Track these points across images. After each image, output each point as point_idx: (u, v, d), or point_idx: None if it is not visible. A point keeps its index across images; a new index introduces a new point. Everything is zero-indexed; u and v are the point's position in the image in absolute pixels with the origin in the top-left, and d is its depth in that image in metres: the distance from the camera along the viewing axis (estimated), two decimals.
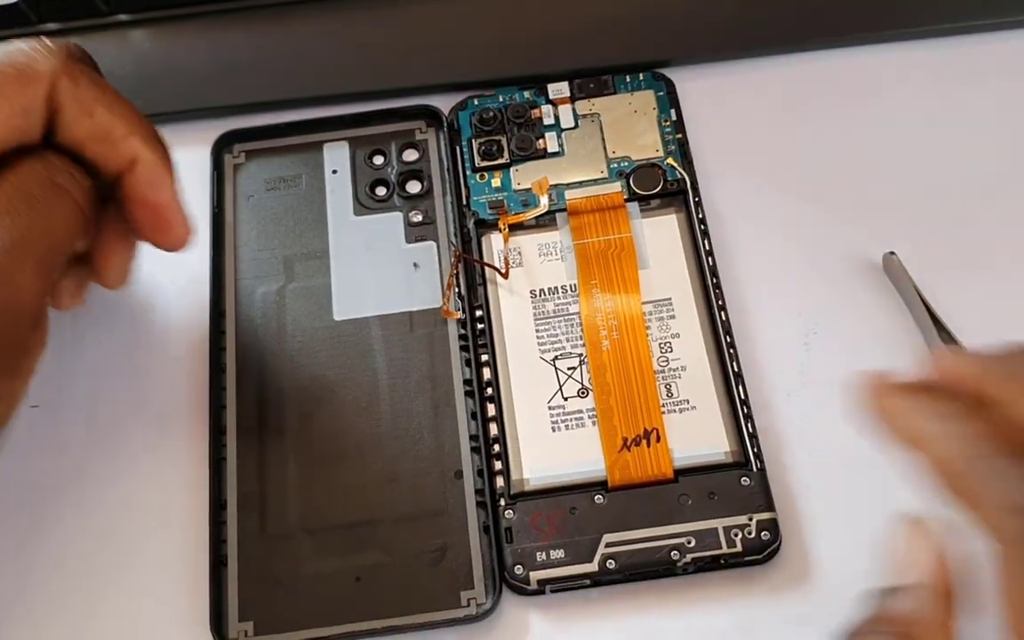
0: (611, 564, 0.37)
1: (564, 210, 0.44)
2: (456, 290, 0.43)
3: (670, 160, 0.45)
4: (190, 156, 0.45)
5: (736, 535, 0.38)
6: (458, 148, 0.46)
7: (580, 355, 0.41)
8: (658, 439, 0.39)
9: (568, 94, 0.47)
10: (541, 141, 0.46)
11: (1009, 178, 0.45)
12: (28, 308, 0.34)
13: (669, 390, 0.40)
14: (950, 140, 0.46)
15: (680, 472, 0.39)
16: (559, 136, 0.46)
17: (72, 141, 0.36)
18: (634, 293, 0.42)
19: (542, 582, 0.37)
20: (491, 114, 0.46)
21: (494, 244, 0.44)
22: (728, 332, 0.41)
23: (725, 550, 0.37)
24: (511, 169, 0.45)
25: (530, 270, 0.43)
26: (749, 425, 0.39)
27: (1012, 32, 0.48)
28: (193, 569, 0.39)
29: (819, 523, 0.39)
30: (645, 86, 0.47)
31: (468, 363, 0.41)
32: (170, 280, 0.44)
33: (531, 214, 0.44)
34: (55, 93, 0.35)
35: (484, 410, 0.40)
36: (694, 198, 0.44)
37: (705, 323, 0.42)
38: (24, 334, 0.34)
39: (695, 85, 0.47)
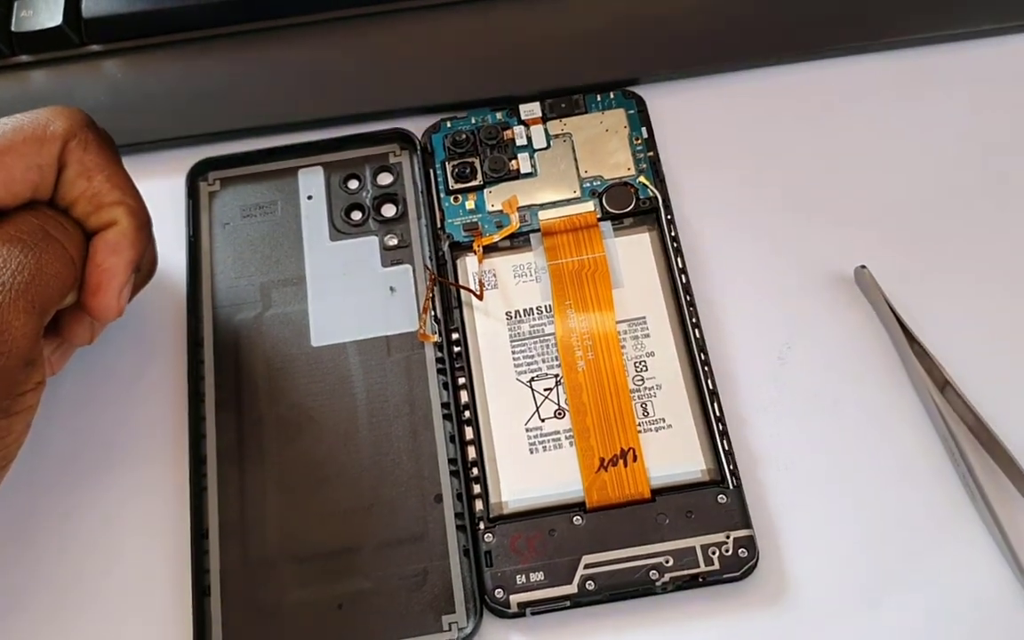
0: (590, 585, 0.38)
1: (538, 231, 0.44)
2: (432, 313, 0.43)
3: (642, 178, 0.45)
4: (165, 185, 0.46)
5: (714, 553, 0.38)
6: (432, 171, 0.46)
7: (556, 376, 0.41)
8: (635, 458, 0.39)
9: (540, 114, 0.47)
10: (514, 162, 0.46)
11: (978, 190, 0.45)
12: (20, 348, 0.34)
13: (645, 409, 0.41)
14: (920, 152, 0.46)
15: (657, 491, 0.39)
16: (531, 156, 0.46)
17: (66, 199, 0.38)
18: (608, 312, 0.42)
19: (522, 605, 0.38)
20: (464, 136, 0.46)
21: (469, 266, 0.44)
22: (702, 349, 0.41)
23: (703, 568, 0.38)
24: (485, 191, 0.45)
25: (505, 292, 0.43)
26: (725, 442, 0.40)
27: (980, 41, 0.49)
28: (176, 598, 0.39)
29: (796, 539, 0.39)
30: (616, 105, 0.47)
31: (445, 386, 0.42)
32: (148, 310, 0.44)
33: (503, 234, 0.44)
34: (65, 152, 0.37)
35: (462, 433, 0.41)
36: (666, 215, 0.44)
37: (679, 341, 0.42)
38: (17, 375, 0.35)
39: (666, 102, 0.48)
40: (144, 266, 0.40)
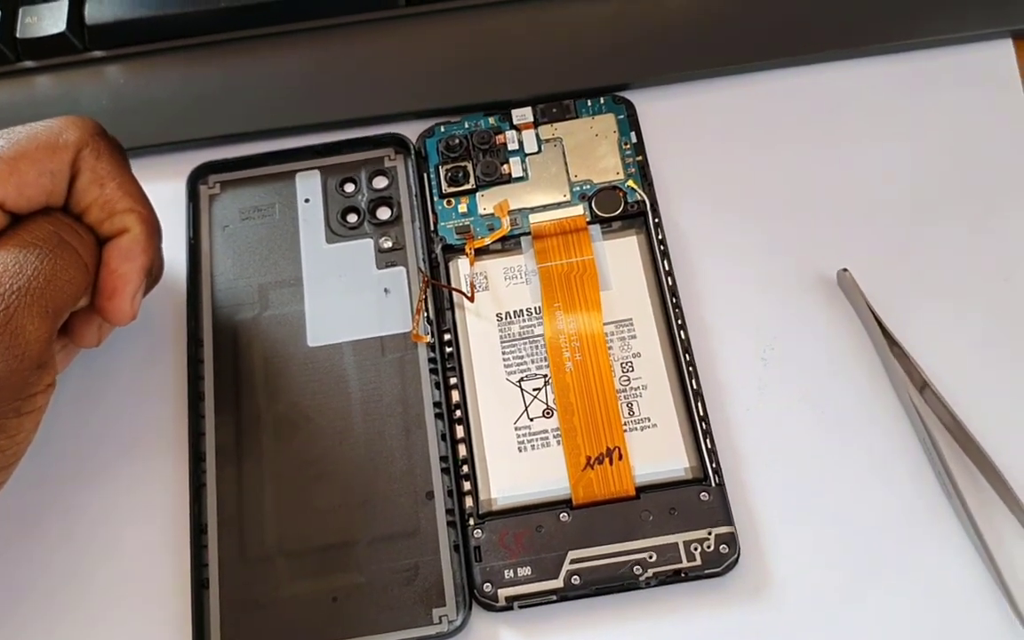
0: (576, 580, 0.39)
1: (528, 234, 0.45)
2: (425, 315, 0.44)
3: (631, 182, 0.46)
4: (166, 188, 0.47)
5: (696, 549, 0.39)
6: (426, 175, 0.47)
7: (545, 376, 0.43)
8: (620, 457, 0.41)
9: (531, 119, 0.48)
10: (506, 166, 0.47)
11: (958, 193, 0.46)
12: (32, 351, 0.35)
13: (631, 408, 0.42)
14: (901, 156, 0.47)
15: (641, 489, 0.40)
16: (523, 161, 0.47)
17: (79, 206, 0.39)
18: (596, 314, 0.43)
19: (510, 599, 0.39)
20: (457, 141, 0.47)
21: (461, 269, 0.45)
22: (687, 350, 0.42)
23: (685, 564, 0.39)
24: (477, 195, 0.46)
25: (496, 294, 0.44)
26: (708, 441, 0.41)
27: (962, 47, 0.49)
28: (176, 591, 0.40)
29: (776, 536, 0.40)
30: (606, 110, 0.48)
31: (437, 386, 0.43)
32: (149, 310, 0.45)
33: (494, 237, 0.45)
34: (77, 160, 0.38)
35: (453, 432, 0.42)
36: (654, 219, 0.45)
37: (665, 342, 0.43)
38: (29, 377, 0.36)
39: (654, 107, 0.48)
40: (153, 271, 0.41)
